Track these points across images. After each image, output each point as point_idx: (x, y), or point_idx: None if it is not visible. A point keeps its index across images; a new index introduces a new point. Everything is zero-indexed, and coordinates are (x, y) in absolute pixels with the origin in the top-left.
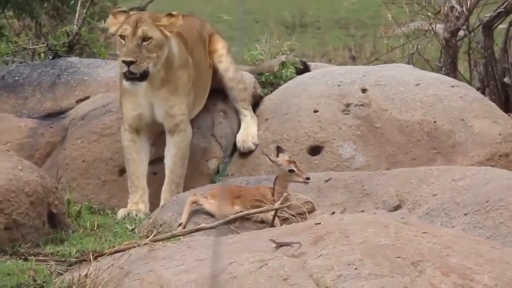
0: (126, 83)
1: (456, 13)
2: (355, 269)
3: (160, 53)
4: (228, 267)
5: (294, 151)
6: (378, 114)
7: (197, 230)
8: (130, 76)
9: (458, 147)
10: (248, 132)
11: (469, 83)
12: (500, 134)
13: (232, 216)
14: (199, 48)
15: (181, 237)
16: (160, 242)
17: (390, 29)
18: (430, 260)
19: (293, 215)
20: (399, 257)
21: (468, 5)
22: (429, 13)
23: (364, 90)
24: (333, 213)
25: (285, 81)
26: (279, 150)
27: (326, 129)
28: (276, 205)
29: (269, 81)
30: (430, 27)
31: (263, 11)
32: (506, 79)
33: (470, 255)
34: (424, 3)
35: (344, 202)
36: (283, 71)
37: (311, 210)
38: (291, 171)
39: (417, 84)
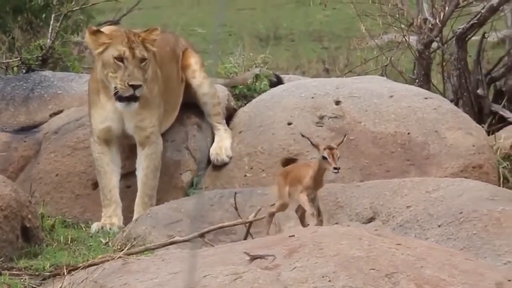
0: (120, 104)
1: (430, 25)
2: (329, 281)
3: (149, 71)
4: (202, 280)
5: (268, 163)
6: (352, 126)
7: (171, 243)
8: (127, 97)
9: (432, 159)
10: (222, 145)
11: (443, 95)
12: (473, 146)
13: (206, 229)
14: (171, 63)
15: (155, 250)
16: (134, 256)
17: (364, 41)
18: (404, 272)
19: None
20: (373, 269)
21: (442, 17)
22: (402, 25)
23: (337, 102)
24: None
25: (259, 94)
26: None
27: (300, 142)
28: (250, 217)
29: (243, 94)
30: (404, 39)
31: (237, 24)
32: (479, 91)
33: (444, 266)
34: (397, 15)
35: None
36: (256, 83)
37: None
38: (324, 158)
39: (391, 96)
